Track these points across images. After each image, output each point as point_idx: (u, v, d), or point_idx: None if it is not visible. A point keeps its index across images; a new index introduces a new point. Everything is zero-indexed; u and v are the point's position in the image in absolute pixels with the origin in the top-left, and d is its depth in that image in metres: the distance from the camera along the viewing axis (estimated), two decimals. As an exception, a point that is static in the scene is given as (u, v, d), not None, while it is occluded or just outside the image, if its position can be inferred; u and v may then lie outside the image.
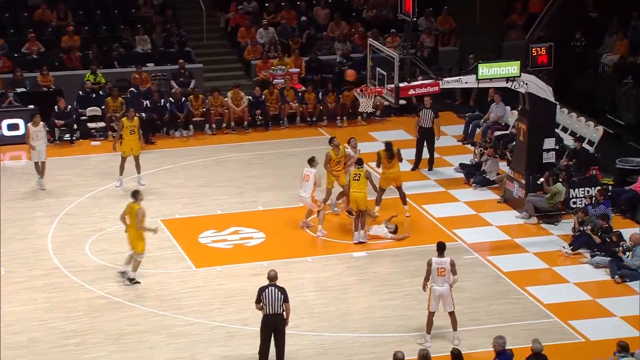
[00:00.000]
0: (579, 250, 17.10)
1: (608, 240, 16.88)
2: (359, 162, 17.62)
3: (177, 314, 15.17)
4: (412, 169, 20.80)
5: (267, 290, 13.28)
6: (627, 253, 16.42)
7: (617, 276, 16.19)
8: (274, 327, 13.34)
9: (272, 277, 13.40)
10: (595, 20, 26.07)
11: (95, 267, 16.61)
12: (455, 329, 14.31)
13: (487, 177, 20.12)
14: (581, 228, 17.24)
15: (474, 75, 17.66)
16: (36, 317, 15.02)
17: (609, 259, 16.48)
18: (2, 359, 13.94)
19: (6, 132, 22.45)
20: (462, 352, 12.71)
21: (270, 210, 18.90)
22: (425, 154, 20.95)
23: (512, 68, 17.60)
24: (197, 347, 14.24)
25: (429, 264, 14.21)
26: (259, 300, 13.30)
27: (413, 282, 16.02)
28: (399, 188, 18.54)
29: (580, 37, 25.13)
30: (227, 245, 17.55)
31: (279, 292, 13.27)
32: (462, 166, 20.80)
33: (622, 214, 18.47)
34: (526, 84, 17.92)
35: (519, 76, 17.69)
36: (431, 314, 14.23)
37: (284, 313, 13.34)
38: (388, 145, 18.50)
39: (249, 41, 25.86)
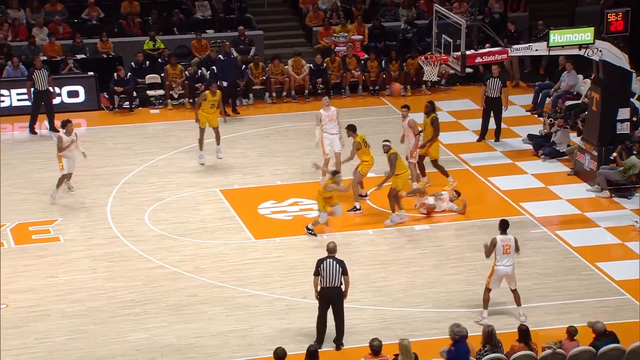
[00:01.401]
0: (654, 226, 16.79)
1: (685, 215, 16.54)
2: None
3: (236, 285, 15.33)
4: (478, 140, 20.58)
5: (325, 262, 13.35)
6: None
7: (693, 253, 15.86)
8: (331, 299, 13.41)
9: (331, 249, 13.46)
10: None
11: (154, 237, 16.86)
12: (519, 304, 14.21)
13: (557, 148, 19.82)
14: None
15: (545, 43, 17.36)
16: (96, 286, 15.33)
17: (686, 235, 16.16)
18: (64, 327, 14.27)
19: (66, 99, 22.84)
20: (530, 329, 12.59)
21: (331, 181, 18.87)
22: (492, 125, 20.70)
23: (585, 35, 17.26)
24: (256, 319, 14.38)
25: (494, 243, 14.00)
26: (317, 273, 13.37)
27: (478, 256, 15.86)
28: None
29: (660, 1, 24.43)
30: (287, 216, 17.64)
31: (338, 265, 13.33)
32: (531, 137, 20.52)
33: (700, 188, 18.07)
34: (600, 51, 17.55)
35: (593, 43, 17.35)
36: (488, 291, 14.15)
37: (342, 286, 13.39)
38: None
39: (311, 7, 25.79)
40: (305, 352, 12.05)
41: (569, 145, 19.72)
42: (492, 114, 20.54)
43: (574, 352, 12.34)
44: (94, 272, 15.77)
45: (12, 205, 17.87)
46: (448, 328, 12.11)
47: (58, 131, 21.68)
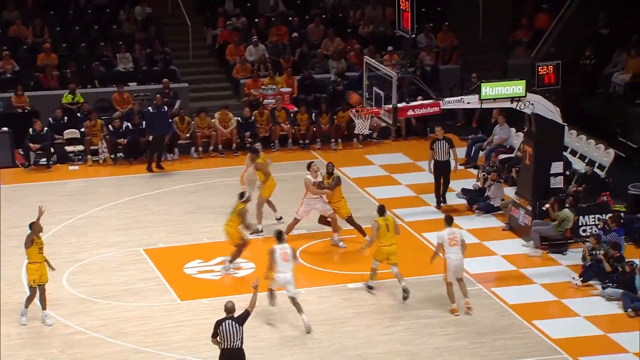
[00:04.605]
0: (590, 282, 17.19)
1: (620, 269, 16.99)
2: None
3: (160, 350, 15.19)
4: (437, 207, 20.30)
5: (224, 323, 13.21)
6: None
7: (630, 309, 16.27)
8: None
9: (230, 309, 13.35)
10: (606, 37, 26.33)
11: (73, 300, 16.64)
12: (466, 294, 16.08)
13: (491, 203, 20.24)
14: (593, 252, 17.33)
15: (477, 95, 17.84)
16: (10, 355, 15.02)
17: (622, 291, 16.57)
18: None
19: (-21, 156, 22.54)
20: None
21: (260, 239, 18.96)
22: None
23: (517, 87, 17.79)
24: (182, 385, 14.27)
25: (441, 238, 15.95)
26: (215, 335, 13.27)
27: (413, 314, 16.11)
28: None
29: (590, 54, 25.37)
30: (215, 276, 17.61)
31: (237, 325, 13.23)
32: (465, 191, 20.91)
33: (635, 242, 18.58)
34: (532, 104, 18.09)
35: (525, 96, 17.87)
36: (450, 285, 16.00)
37: (243, 345, 13.26)
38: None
39: (238, 59, 26.05)
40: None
41: (503, 200, 20.16)
42: (442, 178, 20.27)
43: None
44: (7, 338, 15.46)
45: None
46: None
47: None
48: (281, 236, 15.92)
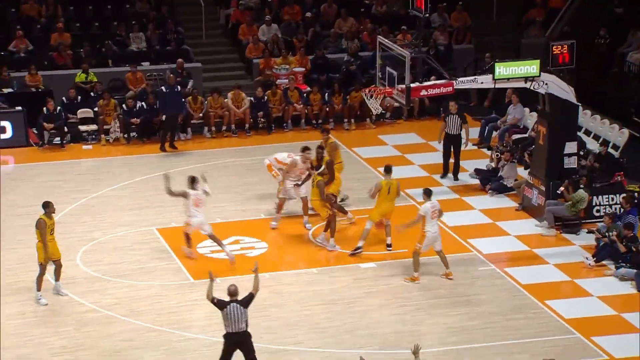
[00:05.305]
0: (603, 262, 17.14)
1: (634, 250, 16.92)
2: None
3: (174, 329, 15.25)
4: (442, 177, 20.61)
5: (229, 307, 13.14)
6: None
7: (643, 289, 16.24)
8: (237, 345, 13.26)
9: (233, 293, 13.25)
10: (620, 17, 26.13)
11: (87, 279, 16.71)
12: (447, 266, 16.50)
13: (505, 183, 20.17)
14: (607, 233, 17.26)
15: (491, 75, 17.75)
16: (24, 332, 15.11)
17: (635, 271, 16.52)
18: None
19: (-8, 136, 22.62)
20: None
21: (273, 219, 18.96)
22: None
23: (531, 67, 17.68)
24: (195, 364, 14.32)
25: (425, 211, 16.13)
26: (214, 303, 13.18)
27: (425, 294, 16.10)
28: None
29: (605, 34, 25.19)
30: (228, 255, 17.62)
31: (242, 307, 13.17)
32: (478, 172, 20.85)
33: (649, 223, 18.50)
34: (546, 84, 17.99)
35: (539, 76, 17.77)
36: (418, 254, 16.31)
37: (248, 328, 13.23)
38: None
39: (251, 39, 25.98)
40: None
41: (516, 180, 20.09)
42: (451, 151, 20.59)
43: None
44: (22, 317, 15.54)
45: None
46: None
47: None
48: (194, 182, 16.87)
